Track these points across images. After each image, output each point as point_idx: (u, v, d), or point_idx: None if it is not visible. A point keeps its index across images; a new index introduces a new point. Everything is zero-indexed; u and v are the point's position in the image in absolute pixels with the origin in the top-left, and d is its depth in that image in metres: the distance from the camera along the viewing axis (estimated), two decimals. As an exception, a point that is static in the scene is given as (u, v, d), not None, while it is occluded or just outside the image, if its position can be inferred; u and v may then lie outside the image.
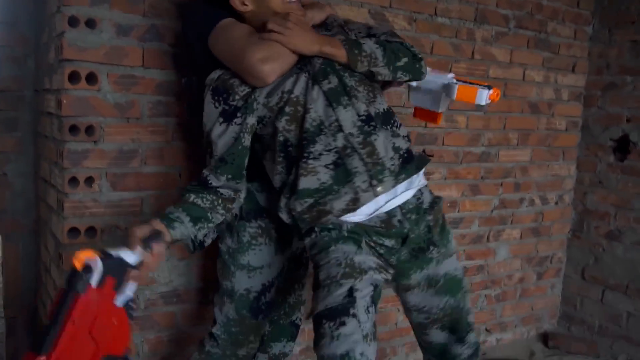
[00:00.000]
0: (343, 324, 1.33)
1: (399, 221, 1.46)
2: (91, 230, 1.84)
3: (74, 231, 1.82)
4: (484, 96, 1.55)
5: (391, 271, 1.49)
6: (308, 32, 1.44)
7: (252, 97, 1.46)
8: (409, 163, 1.49)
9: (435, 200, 1.57)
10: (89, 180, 1.81)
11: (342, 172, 1.43)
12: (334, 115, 1.42)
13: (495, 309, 2.99)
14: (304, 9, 1.54)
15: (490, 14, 2.64)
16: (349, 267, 1.39)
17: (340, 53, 1.44)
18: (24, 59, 2.21)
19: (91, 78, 1.76)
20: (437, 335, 1.58)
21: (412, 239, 1.47)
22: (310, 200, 1.44)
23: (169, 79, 1.88)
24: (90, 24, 1.73)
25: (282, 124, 1.44)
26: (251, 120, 1.47)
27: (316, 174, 1.43)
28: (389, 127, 1.50)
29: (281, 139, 1.46)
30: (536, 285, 3.14)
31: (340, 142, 1.42)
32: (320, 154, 1.42)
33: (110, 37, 1.77)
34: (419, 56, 1.55)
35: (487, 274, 2.91)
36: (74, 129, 1.76)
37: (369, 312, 1.37)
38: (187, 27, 1.71)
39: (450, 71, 2.01)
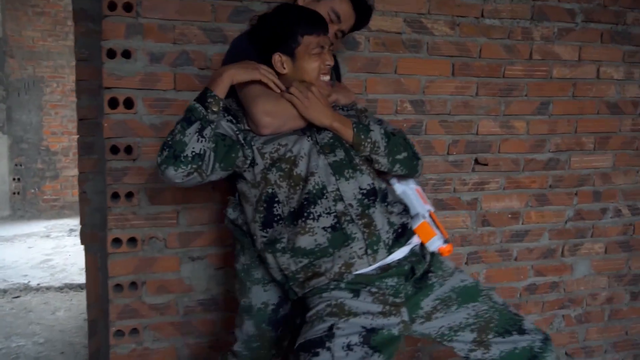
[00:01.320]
0: (316, 354, 1.36)
1: (398, 262, 1.50)
2: (132, 241, 2.03)
3: (117, 241, 2.01)
4: (435, 244, 1.58)
5: (403, 310, 1.46)
6: (325, 106, 1.54)
7: (251, 135, 1.54)
8: (402, 237, 1.54)
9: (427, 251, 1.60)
10: (129, 195, 2.01)
11: (339, 236, 1.47)
12: (336, 185, 1.49)
13: (576, 331, 2.73)
14: (332, 89, 1.64)
15: (550, 10, 2.46)
16: (336, 308, 1.42)
17: (347, 133, 1.55)
18: (97, 90, 2.50)
19: (128, 103, 1.96)
20: (499, 346, 1.45)
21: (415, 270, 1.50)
22: (305, 261, 1.48)
23: (199, 99, 2.02)
24: (126, 54, 1.94)
25: (274, 177, 1.50)
26: (246, 150, 1.52)
27: (313, 235, 1.47)
28: (385, 204, 1.55)
29: (269, 191, 1.51)
30: (630, 306, 2.81)
31: (340, 207, 1.48)
32: (320, 216, 1.47)
33: (145, 65, 1.96)
34: (418, 155, 1.68)
35: (564, 291, 2.67)
36: (114, 149, 1.97)
37: (350, 350, 1.35)
38: (226, 56, 1.80)
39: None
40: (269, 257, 1.53)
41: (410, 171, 1.65)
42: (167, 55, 1.98)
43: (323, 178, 1.48)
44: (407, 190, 1.66)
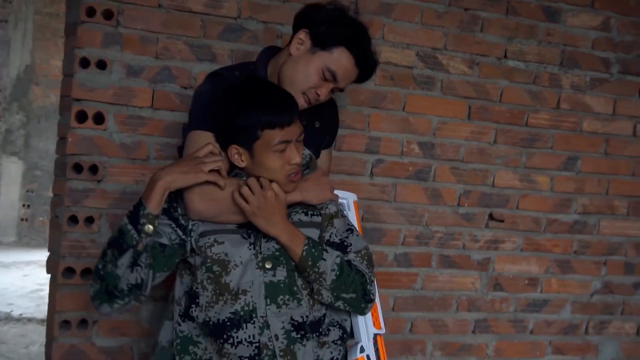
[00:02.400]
0: None
1: None
2: (87, 272, 1.78)
3: (69, 271, 1.78)
4: None
5: None
6: (276, 215, 1.28)
7: (191, 222, 1.32)
8: None
9: None
10: (89, 220, 1.78)
11: None
12: (265, 311, 1.28)
13: None
14: (302, 184, 1.38)
15: (582, 57, 2.23)
16: None
17: (295, 253, 1.29)
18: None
19: (98, 118, 1.77)
20: None
21: None
22: None
23: (179, 120, 1.81)
24: (101, 65, 1.75)
25: (201, 276, 1.30)
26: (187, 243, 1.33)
27: None
28: (318, 335, 1.33)
29: (195, 289, 1.32)
30: (665, 401, 2.42)
31: (264, 338, 1.27)
32: (240, 343, 1.26)
33: (120, 78, 1.77)
34: (370, 297, 1.39)
35: (587, 376, 2.31)
36: (77, 168, 1.76)
37: None
38: (192, 108, 1.49)
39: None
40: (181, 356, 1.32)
41: (356, 311, 1.40)
42: (147, 70, 1.79)
43: (255, 299, 1.27)
44: None
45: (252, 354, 1.26)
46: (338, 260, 1.31)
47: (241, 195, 1.27)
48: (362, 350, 1.41)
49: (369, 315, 1.43)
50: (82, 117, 1.75)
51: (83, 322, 1.81)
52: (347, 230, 1.41)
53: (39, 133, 7.34)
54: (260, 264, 1.29)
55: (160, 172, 1.29)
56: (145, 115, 1.80)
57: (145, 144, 1.81)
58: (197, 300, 1.30)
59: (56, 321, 1.79)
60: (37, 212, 7.39)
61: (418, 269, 2.10)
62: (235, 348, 1.25)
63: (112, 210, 1.79)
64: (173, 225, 1.31)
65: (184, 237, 1.31)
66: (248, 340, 1.26)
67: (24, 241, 7.29)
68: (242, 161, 1.32)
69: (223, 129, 1.33)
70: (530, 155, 2.19)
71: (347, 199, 1.58)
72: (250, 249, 1.29)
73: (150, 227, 1.24)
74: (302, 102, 1.43)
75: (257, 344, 1.26)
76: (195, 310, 1.30)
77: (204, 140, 1.34)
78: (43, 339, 3.56)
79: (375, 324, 1.44)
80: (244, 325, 1.26)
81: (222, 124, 1.33)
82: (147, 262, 1.25)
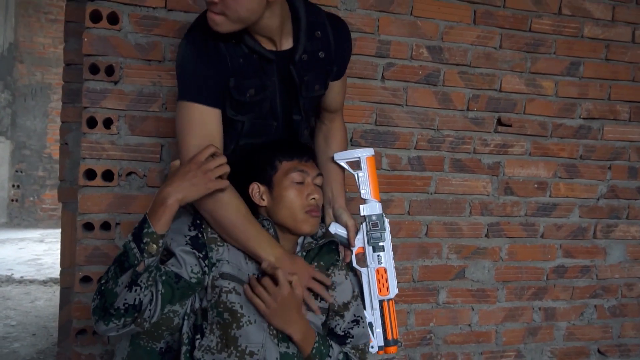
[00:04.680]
0: None
1: None
2: (108, 174, 1.79)
3: (90, 173, 1.77)
4: (373, 349, 1.45)
5: None
6: (292, 313, 1.27)
7: (216, 260, 1.28)
8: None
9: None
10: (108, 122, 1.78)
11: None
12: None
13: (610, 325, 2.40)
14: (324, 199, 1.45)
15: (581, -37, 2.27)
16: None
17: (304, 350, 1.29)
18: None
19: (112, 17, 1.76)
20: None
21: None
22: None
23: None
24: (113, -36, 1.74)
25: (212, 319, 1.26)
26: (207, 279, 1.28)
27: None
28: None
29: (203, 327, 1.27)
30: (671, 302, 2.48)
31: None
32: None
33: (133, -23, 1.76)
34: None
35: (596, 278, 2.36)
36: (94, 68, 1.76)
37: None
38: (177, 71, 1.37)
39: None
40: None
41: None
42: (159, -30, 1.79)
43: None
44: (365, 273, 1.47)
45: None
46: (341, 357, 1.34)
47: (254, 296, 1.24)
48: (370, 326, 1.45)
49: (374, 282, 1.46)
50: (96, 16, 1.74)
51: (105, 225, 1.82)
52: (352, 322, 1.39)
53: (26, 112, 7.23)
54: (274, 332, 1.27)
55: (168, 188, 1.20)
56: (159, 15, 1.80)
57: (160, 45, 1.81)
58: (201, 340, 1.25)
59: (79, 224, 1.80)
60: (27, 193, 7.29)
61: (431, 172, 2.13)
62: None
63: (130, 112, 1.79)
64: (199, 255, 1.26)
65: (205, 269, 1.26)
66: None
67: (14, 222, 7.19)
68: (263, 200, 1.34)
69: (243, 169, 1.36)
70: (534, 60, 2.23)
71: (360, 156, 1.51)
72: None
73: (154, 246, 1.16)
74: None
75: None
76: (197, 349, 1.25)
77: (195, 113, 1.29)
78: (47, 296, 3.57)
79: (382, 290, 1.46)
80: None
81: (241, 166, 1.36)
82: (147, 284, 1.17)
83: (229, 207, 1.27)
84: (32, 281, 3.94)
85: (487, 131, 2.19)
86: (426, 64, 2.10)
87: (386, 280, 1.46)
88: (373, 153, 1.52)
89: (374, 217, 1.48)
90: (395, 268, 2.06)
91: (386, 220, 1.48)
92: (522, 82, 2.22)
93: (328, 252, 1.42)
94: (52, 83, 7.26)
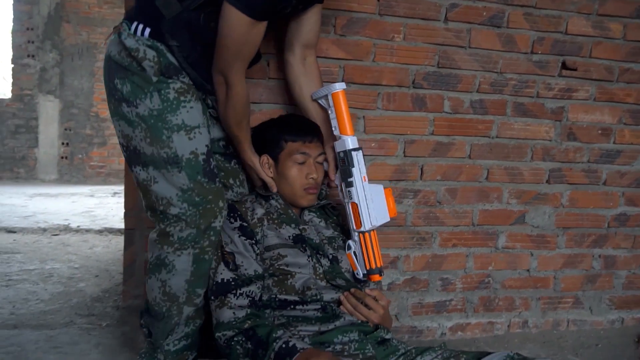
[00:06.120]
0: None
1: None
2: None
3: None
4: (360, 273, 1.52)
5: None
6: (387, 314, 1.50)
7: (259, 237, 1.50)
8: None
9: None
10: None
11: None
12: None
13: (671, 276, 2.36)
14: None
15: None
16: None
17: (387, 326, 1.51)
18: None
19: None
20: None
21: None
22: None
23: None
24: None
25: (266, 280, 1.46)
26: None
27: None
28: None
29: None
30: None
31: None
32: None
33: None
34: None
35: (659, 227, 2.32)
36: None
37: None
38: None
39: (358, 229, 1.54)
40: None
41: None
42: None
43: (320, 290, 1.46)
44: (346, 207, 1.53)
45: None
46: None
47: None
48: (349, 247, 1.53)
49: (350, 216, 1.52)
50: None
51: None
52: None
53: (73, 71, 7.39)
54: (321, 276, 1.46)
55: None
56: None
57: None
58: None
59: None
60: (75, 150, 7.51)
61: (493, 116, 2.10)
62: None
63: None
64: (252, 242, 1.47)
65: (257, 252, 1.47)
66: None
67: (64, 179, 7.44)
68: (270, 172, 1.57)
69: (259, 142, 1.57)
70: (603, 1, 2.14)
71: (327, 93, 1.54)
72: (308, 261, 1.47)
73: None
74: None
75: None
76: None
77: (253, 29, 1.34)
78: (103, 244, 3.71)
79: (356, 224, 1.50)
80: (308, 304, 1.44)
81: (257, 138, 1.58)
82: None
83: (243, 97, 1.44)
84: (87, 230, 4.09)
85: (551, 75, 2.14)
86: (490, 5, 2.05)
87: (359, 214, 1.48)
88: (339, 88, 1.51)
89: (341, 154, 1.51)
90: (455, 211, 2.09)
91: (355, 155, 1.49)
92: (588, 24, 2.15)
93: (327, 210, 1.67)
94: (97, 42, 7.38)
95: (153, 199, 1.43)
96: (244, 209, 1.52)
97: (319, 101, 1.60)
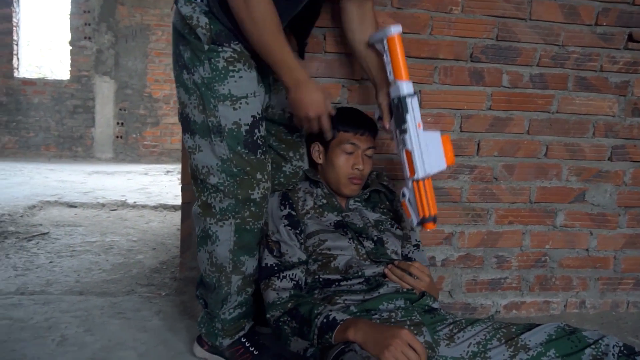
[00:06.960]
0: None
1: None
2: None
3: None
4: (414, 221, 1.46)
5: (424, 329, 1.33)
6: (433, 283, 1.52)
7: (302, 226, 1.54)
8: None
9: None
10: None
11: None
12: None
13: None
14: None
15: None
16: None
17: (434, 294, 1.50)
18: None
19: None
20: (531, 338, 1.26)
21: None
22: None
23: None
24: None
25: (311, 267, 1.50)
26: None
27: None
28: None
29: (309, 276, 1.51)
30: None
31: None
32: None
33: None
34: None
35: None
36: None
37: None
38: None
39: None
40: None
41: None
42: None
43: (362, 269, 1.47)
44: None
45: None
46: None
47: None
48: (403, 195, 1.47)
49: (405, 164, 1.46)
50: None
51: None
52: (414, 246, 1.64)
53: (127, 52, 7.58)
54: (364, 257, 1.49)
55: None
56: None
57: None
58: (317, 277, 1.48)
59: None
60: (130, 130, 7.74)
61: (554, 90, 2.04)
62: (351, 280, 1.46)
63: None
64: (297, 232, 1.50)
65: (302, 240, 1.51)
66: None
67: (119, 157, 7.69)
68: (319, 158, 1.62)
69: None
70: (675, -31, 2.04)
71: (383, 37, 1.47)
72: (350, 243, 1.50)
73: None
74: None
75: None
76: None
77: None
78: (159, 219, 3.82)
79: (410, 171, 1.44)
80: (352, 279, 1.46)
81: None
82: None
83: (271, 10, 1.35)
84: (143, 206, 4.23)
85: (616, 48, 2.06)
86: (554, -25, 1.98)
87: (412, 162, 1.43)
88: (395, 31, 1.44)
89: (395, 100, 1.45)
90: (512, 188, 2.05)
91: (410, 100, 1.43)
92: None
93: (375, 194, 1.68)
94: (150, 24, 7.54)
95: (195, 167, 1.47)
96: (295, 198, 1.57)
97: (375, 46, 1.54)
